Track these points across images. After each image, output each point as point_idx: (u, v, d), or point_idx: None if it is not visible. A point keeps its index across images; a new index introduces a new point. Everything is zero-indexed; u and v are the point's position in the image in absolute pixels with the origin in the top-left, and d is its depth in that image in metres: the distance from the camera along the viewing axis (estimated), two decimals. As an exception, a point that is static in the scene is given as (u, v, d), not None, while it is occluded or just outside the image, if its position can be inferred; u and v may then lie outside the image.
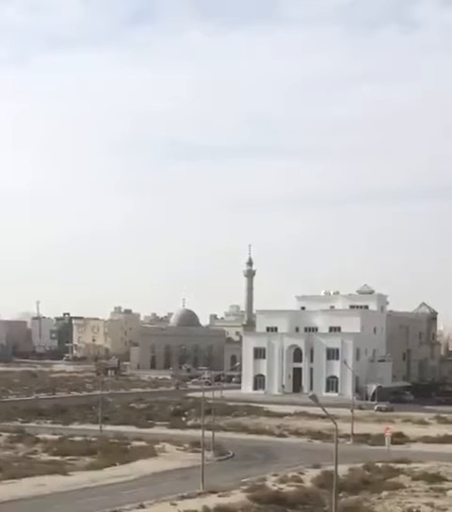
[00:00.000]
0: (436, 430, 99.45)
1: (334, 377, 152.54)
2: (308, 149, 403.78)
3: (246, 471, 67.81)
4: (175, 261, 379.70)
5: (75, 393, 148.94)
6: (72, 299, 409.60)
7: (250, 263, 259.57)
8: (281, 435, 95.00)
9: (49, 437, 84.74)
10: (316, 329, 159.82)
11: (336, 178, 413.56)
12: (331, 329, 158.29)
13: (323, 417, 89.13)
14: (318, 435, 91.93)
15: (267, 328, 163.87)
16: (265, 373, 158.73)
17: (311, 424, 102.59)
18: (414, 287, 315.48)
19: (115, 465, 69.62)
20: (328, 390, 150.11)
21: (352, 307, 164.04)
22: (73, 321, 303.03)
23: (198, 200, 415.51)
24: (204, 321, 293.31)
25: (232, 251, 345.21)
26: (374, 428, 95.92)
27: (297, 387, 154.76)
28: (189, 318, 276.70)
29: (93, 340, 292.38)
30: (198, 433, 75.14)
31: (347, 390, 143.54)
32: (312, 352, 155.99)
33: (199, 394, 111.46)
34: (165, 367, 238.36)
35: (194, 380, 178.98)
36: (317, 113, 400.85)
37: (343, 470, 60.06)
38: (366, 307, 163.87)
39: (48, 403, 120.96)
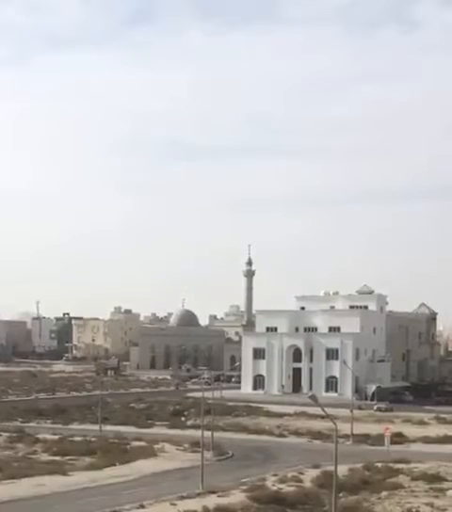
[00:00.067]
0: (436, 430, 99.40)
1: (334, 377, 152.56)
2: (308, 149, 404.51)
3: (245, 471, 67.81)
4: (175, 261, 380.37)
5: (75, 393, 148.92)
6: (72, 299, 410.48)
7: (249, 263, 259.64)
8: (280, 435, 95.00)
9: (49, 437, 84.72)
10: (316, 330, 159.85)
11: (336, 178, 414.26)
12: (331, 330, 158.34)
13: (323, 417, 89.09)
14: (318, 435, 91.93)
15: (267, 329, 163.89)
16: (264, 373, 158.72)
17: (310, 424, 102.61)
18: (414, 287, 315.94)
19: (115, 465, 69.60)
20: (327, 390, 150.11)
21: (352, 307, 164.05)
22: (73, 321, 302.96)
23: (198, 200, 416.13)
24: (204, 321, 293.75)
25: (231, 251, 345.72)
26: (373, 428, 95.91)
27: (296, 387, 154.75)
28: (189, 318, 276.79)
29: (93, 340, 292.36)
30: (197, 433, 75.19)
31: (347, 390, 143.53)
32: (311, 352, 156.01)
33: (198, 394, 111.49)
34: (164, 367, 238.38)
35: (194, 380, 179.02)
36: (317, 113, 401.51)
37: (342, 470, 60.06)
38: (366, 307, 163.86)
39: (48, 403, 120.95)
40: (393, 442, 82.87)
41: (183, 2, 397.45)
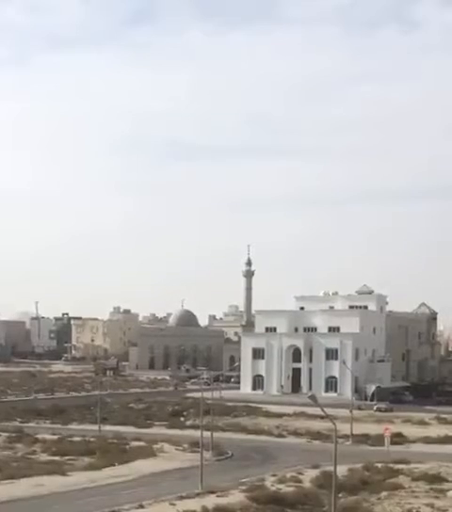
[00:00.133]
0: (436, 430, 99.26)
1: (333, 378, 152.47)
2: (308, 149, 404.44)
3: (245, 471, 67.69)
4: (175, 261, 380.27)
5: (74, 394, 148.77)
6: (71, 299, 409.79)
7: (248, 263, 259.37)
8: (279, 435, 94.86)
9: (48, 437, 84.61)
10: (315, 330, 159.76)
11: (336, 178, 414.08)
12: (331, 330, 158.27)
13: (322, 417, 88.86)
14: (317, 435, 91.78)
15: (266, 329, 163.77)
16: (263, 373, 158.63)
17: (310, 424, 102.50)
18: (414, 287, 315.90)
19: (114, 465, 69.47)
20: (327, 390, 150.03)
21: (351, 307, 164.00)
22: (72, 321, 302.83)
23: (198, 200, 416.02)
24: (203, 321, 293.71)
25: (231, 251, 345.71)
26: (373, 429, 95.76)
27: (296, 387, 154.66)
28: (188, 318, 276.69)
29: (92, 340, 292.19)
30: (197, 433, 75.03)
31: (347, 390, 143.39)
32: (311, 352, 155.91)
33: (198, 395, 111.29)
34: (164, 367, 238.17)
35: (193, 380, 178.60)
36: (317, 113, 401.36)
37: (342, 470, 59.96)
38: (366, 307, 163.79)
39: (47, 403, 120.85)
40: (393, 443, 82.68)
41: (183, 2, 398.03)
